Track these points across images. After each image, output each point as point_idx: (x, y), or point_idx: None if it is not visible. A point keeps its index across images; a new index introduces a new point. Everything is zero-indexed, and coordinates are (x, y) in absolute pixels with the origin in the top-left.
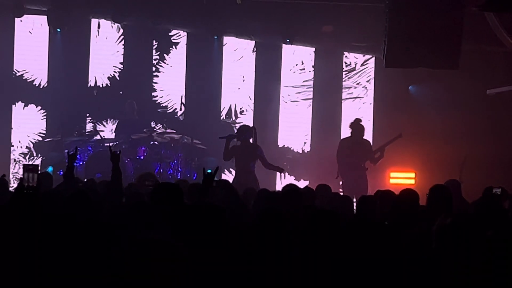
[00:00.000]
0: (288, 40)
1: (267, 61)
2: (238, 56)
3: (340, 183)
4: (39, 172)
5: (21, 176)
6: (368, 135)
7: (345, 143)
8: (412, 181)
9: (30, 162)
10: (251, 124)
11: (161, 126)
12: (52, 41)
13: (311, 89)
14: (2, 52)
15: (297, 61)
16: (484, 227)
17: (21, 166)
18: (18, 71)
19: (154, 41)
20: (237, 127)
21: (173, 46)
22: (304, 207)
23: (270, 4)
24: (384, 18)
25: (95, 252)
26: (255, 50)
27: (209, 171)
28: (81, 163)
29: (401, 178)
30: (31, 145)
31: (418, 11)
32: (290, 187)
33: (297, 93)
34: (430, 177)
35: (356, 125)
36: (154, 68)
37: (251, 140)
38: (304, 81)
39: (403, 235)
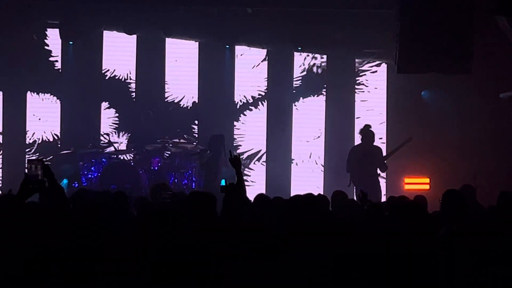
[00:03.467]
0: (299, 48)
1: (279, 69)
2: (250, 65)
3: (354, 190)
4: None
5: (26, 171)
6: (381, 141)
7: (355, 150)
8: (427, 187)
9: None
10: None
11: (175, 136)
12: (64, 54)
13: (324, 96)
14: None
15: (309, 68)
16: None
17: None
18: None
19: (166, 52)
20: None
21: (186, 57)
22: (324, 214)
23: (281, 12)
24: (395, 24)
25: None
26: (266, 58)
27: (222, 182)
28: (96, 175)
29: (416, 184)
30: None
31: (429, 16)
32: (310, 196)
33: (309, 99)
34: (444, 182)
35: (366, 132)
36: (167, 79)
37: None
38: (316, 88)
39: (414, 240)
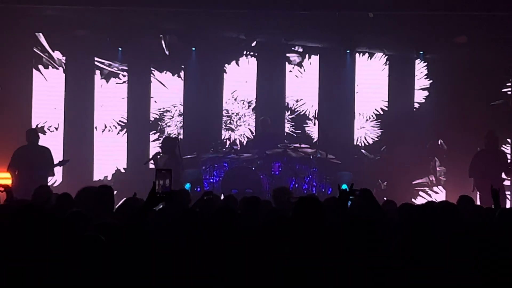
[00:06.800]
0: (421, 52)
1: (400, 74)
2: (370, 69)
3: (478, 196)
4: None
5: (154, 181)
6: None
7: (479, 156)
8: None
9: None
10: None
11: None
12: (187, 59)
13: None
14: None
15: (428, 73)
16: None
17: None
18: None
19: (286, 57)
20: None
21: (306, 61)
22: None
23: (403, 16)
24: None
25: None
26: (387, 63)
27: (344, 186)
28: (217, 180)
29: None
30: None
31: None
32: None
33: (431, 103)
34: None
35: (490, 137)
36: (286, 83)
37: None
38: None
39: None
